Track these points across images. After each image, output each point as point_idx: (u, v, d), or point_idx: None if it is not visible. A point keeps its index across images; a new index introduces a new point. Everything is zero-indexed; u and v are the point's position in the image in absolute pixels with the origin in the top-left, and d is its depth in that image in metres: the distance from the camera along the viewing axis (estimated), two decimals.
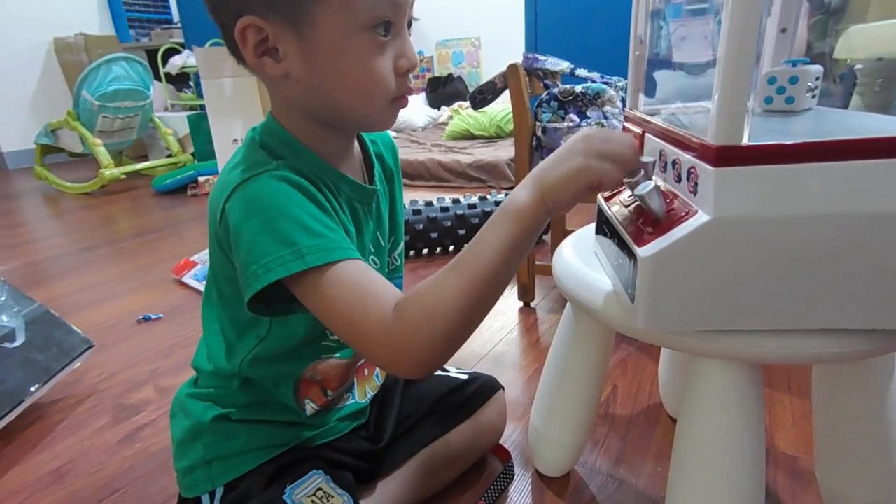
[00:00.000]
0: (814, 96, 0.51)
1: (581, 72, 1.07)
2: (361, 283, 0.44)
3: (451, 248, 1.63)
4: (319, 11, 0.43)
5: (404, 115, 3.53)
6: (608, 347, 0.64)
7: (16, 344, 0.92)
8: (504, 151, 2.56)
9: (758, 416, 0.47)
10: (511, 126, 2.98)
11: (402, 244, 0.67)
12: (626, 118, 0.56)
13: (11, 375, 0.88)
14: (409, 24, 0.49)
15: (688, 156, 0.41)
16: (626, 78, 1.09)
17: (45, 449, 0.88)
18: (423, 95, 4.00)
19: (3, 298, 0.97)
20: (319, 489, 0.58)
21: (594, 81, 1.05)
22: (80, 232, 2.30)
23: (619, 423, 0.85)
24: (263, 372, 0.59)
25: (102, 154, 2.82)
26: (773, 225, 0.38)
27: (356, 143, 0.58)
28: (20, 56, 3.72)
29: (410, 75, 0.49)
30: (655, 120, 0.49)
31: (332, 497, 0.58)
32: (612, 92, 1.02)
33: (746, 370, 0.46)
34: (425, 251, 1.61)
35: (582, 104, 1.02)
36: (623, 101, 1.03)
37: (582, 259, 0.58)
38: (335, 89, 0.46)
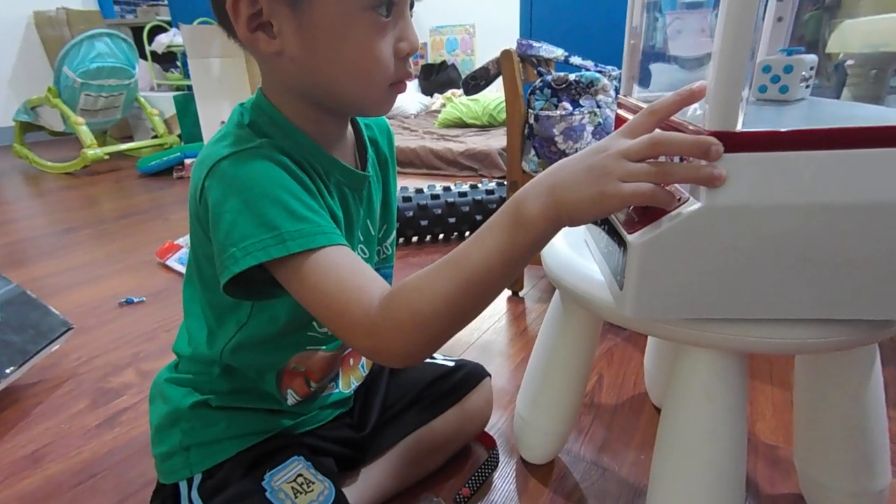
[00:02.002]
0: (808, 86, 0.51)
1: (575, 60, 1.06)
2: (346, 272, 0.42)
3: (441, 236, 1.63)
4: None
5: (397, 101, 3.48)
6: (595, 336, 0.64)
7: None
8: (496, 140, 2.54)
9: (741, 405, 0.47)
10: (503, 115, 2.96)
11: (393, 233, 0.65)
12: (620, 105, 0.55)
13: None
14: (412, 6, 0.47)
15: None
16: (620, 67, 1.08)
17: (21, 432, 0.86)
18: (415, 82, 3.96)
19: None
20: (300, 475, 0.57)
21: (588, 70, 1.04)
22: (61, 213, 2.25)
23: (603, 412, 0.85)
24: (245, 360, 0.57)
25: (85, 133, 2.75)
26: (765, 213, 0.38)
27: (349, 127, 0.56)
28: None
29: (409, 59, 0.47)
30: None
31: (313, 483, 0.57)
32: (605, 81, 1.01)
33: (732, 359, 0.46)
34: (415, 239, 1.60)
35: (575, 92, 1.01)
36: (616, 90, 1.02)
37: (572, 247, 0.58)
38: (332, 70, 0.44)
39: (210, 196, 0.44)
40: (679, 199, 0.39)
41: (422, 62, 4.12)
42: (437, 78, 3.91)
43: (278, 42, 0.43)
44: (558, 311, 0.64)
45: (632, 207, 0.43)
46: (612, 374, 0.94)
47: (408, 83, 0.50)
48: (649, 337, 0.85)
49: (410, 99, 3.66)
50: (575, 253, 0.56)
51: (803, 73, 0.49)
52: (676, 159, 0.41)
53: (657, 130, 0.40)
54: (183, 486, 0.59)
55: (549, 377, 0.66)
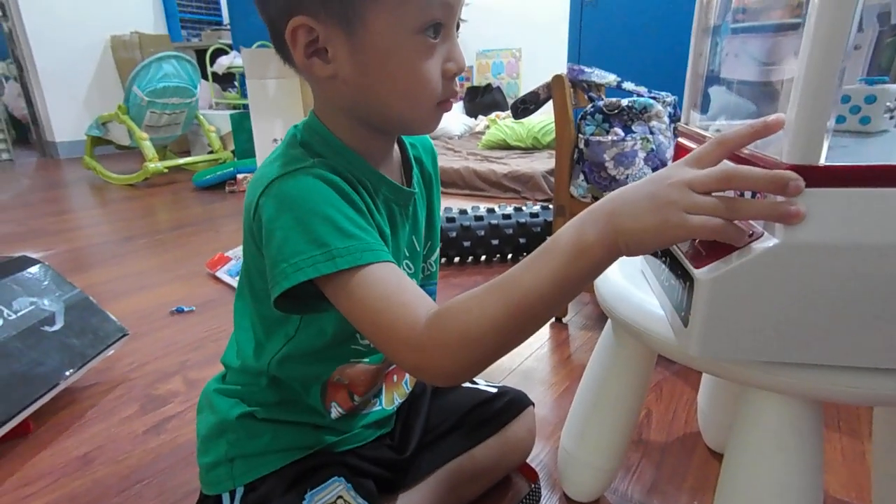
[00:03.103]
0: (892, 118, 0.47)
1: (628, 85, 1.04)
2: (393, 289, 0.42)
3: (483, 257, 1.62)
4: (372, 12, 0.43)
5: (441, 122, 3.53)
6: (649, 370, 0.61)
7: (55, 328, 0.94)
8: (540, 163, 2.53)
9: (817, 456, 0.43)
10: (548, 138, 2.96)
11: (437, 250, 0.66)
12: (680, 133, 0.53)
13: (49, 358, 0.90)
14: (458, 27, 0.48)
15: None
16: (673, 93, 1.06)
17: (74, 434, 0.89)
18: (460, 104, 4.00)
19: (45, 283, 1.00)
20: (340, 497, 0.57)
21: (641, 95, 1.02)
22: (121, 222, 2.37)
23: (652, 450, 0.81)
24: (292, 372, 0.58)
25: (148, 147, 2.91)
26: (848, 253, 0.35)
27: (396, 146, 0.57)
28: (79, 52, 3.89)
29: (456, 80, 0.48)
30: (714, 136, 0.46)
31: None
32: (659, 107, 0.99)
33: (806, 407, 0.43)
34: (457, 259, 1.60)
35: (627, 118, 0.99)
36: (670, 116, 1.00)
37: (627, 277, 0.56)
38: (383, 91, 0.46)
39: (264, 213, 0.45)
40: (751, 234, 0.37)
41: (467, 84, 4.17)
42: (481, 100, 3.93)
43: (332, 66, 0.45)
44: (610, 341, 0.61)
45: (696, 240, 0.41)
46: (661, 410, 0.90)
47: (453, 104, 0.51)
48: (705, 376, 0.80)
49: (455, 120, 3.70)
50: (630, 283, 0.54)
51: (888, 103, 0.46)
52: (747, 191, 0.39)
53: (726, 162, 0.38)
54: (226, 498, 0.59)
55: (599, 410, 0.63)
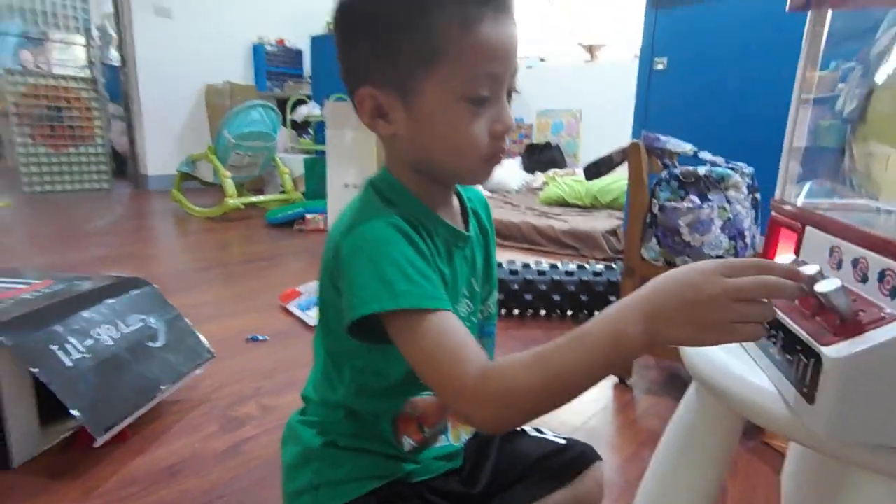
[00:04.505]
0: None
1: (705, 155, 1.08)
2: (449, 339, 0.47)
3: (543, 312, 1.63)
4: (425, 85, 0.50)
5: (499, 176, 3.65)
6: (734, 441, 0.61)
7: (157, 344, 1.03)
8: (601, 222, 2.55)
9: None
10: (608, 198, 2.99)
11: (495, 294, 0.70)
12: (776, 208, 0.56)
13: (150, 371, 0.98)
14: (510, 94, 0.54)
15: (880, 257, 0.40)
16: (750, 164, 1.08)
17: (163, 445, 0.96)
18: (518, 160, 4.12)
19: (152, 302, 1.10)
20: None
21: (718, 165, 1.05)
22: (200, 252, 2.56)
23: None
24: (364, 405, 0.62)
25: (229, 185, 3.16)
26: None
27: (454, 197, 0.64)
28: (177, 97, 4.34)
29: (507, 138, 0.54)
30: (825, 212, 0.48)
31: None
32: (737, 177, 1.01)
33: None
34: (517, 312, 1.62)
35: (704, 186, 1.01)
36: (748, 187, 1.02)
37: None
38: (434, 148, 0.53)
39: (343, 253, 0.52)
40: (883, 317, 0.38)
41: (527, 141, 4.30)
42: (540, 157, 4.05)
43: (393, 126, 0.53)
44: (694, 408, 0.62)
45: (816, 316, 0.42)
46: (737, 488, 0.87)
47: (511, 160, 0.57)
48: (791, 455, 0.78)
49: (513, 175, 3.80)
50: (725, 351, 0.55)
51: None
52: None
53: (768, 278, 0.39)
54: None
55: (679, 476, 0.63)
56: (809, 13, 0.54)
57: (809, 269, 0.40)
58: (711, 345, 0.41)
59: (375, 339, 0.52)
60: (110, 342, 0.95)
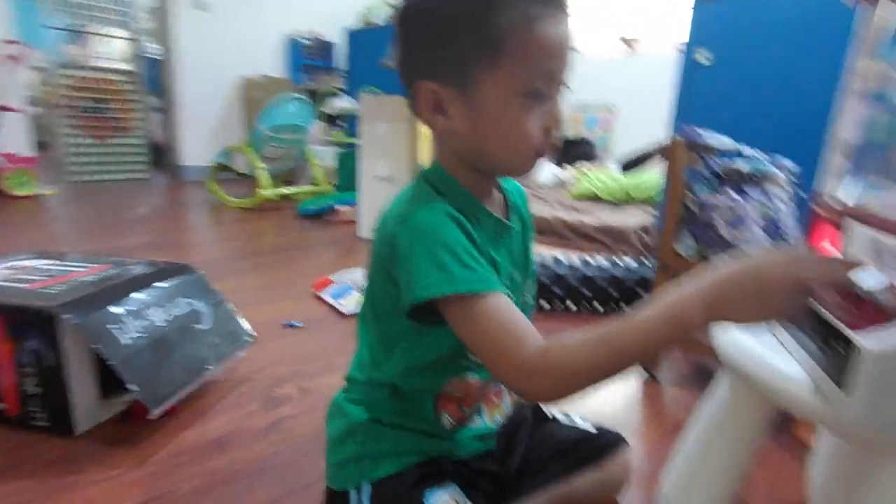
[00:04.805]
0: None
1: (746, 150, 1.07)
2: (507, 318, 0.50)
3: (574, 307, 1.64)
4: (485, 81, 0.52)
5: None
6: (763, 429, 0.62)
7: (204, 327, 1.09)
8: (632, 218, 2.53)
9: None
10: (641, 194, 2.95)
11: (533, 284, 0.72)
12: (818, 202, 0.56)
13: (198, 352, 1.04)
14: (562, 89, 0.56)
15: None
16: (792, 160, 1.07)
17: (210, 420, 1.02)
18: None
19: (199, 287, 1.16)
20: (456, 501, 0.62)
21: (759, 161, 1.04)
22: (236, 241, 2.64)
23: None
24: (410, 384, 0.65)
25: (264, 176, 3.24)
26: None
27: (497, 190, 0.66)
28: (215, 89, 4.45)
29: (554, 133, 0.56)
30: (869, 208, 0.48)
31: None
32: (777, 173, 1.00)
33: None
34: (547, 306, 1.63)
35: (743, 182, 1.01)
36: (791, 184, 1.01)
37: (749, 330, 0.58)
38: (491, 142, 0.55)
39: (399, 242, 0.55)
40: None
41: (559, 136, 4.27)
42: (572, 152, 4.02)
43: (450, 121, 0.55)
44: (725, 395, 0.63)
45: (853, 306, 0.43)
46: (764, 479, 0.88)
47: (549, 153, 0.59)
48: (821, 447, 0.78)
49: (544, 169, 3.79)
50: (755, 338, 0.56)
51: None
52: None
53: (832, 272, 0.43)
54: (353, 493, 0.66)
55: (706, 463, 0.64)
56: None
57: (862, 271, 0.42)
58: (762, 322, 0.43)
59: (430, 321, 0.55)
60: (161, 323, 1.01)
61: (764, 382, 0.51)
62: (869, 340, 0.39)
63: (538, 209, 2.76)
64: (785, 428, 1.00)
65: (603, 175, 3.19)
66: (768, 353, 0.53)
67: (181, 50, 4.22)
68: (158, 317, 1.00)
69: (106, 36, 4.20)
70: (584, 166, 3.62)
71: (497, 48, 0.51)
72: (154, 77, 4.54)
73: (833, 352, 0.43)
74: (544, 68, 0.52)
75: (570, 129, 4.31)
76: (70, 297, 0.92)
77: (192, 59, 4.26)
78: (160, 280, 1.08)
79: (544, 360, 0.47)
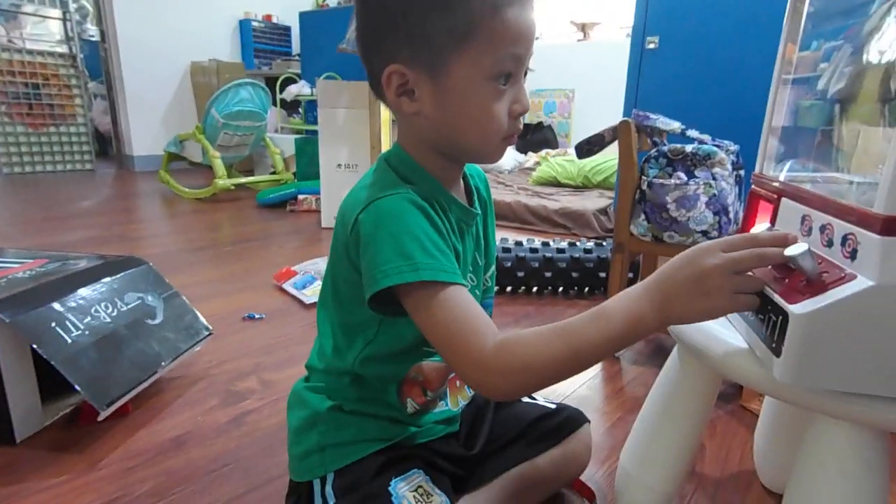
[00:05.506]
0: None
1: (692, 133, 1.10)
2: (466, 313, 0.50)
3: (535, 288, 1.67)
4: (454, 63, 0.52)
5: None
6: (713, 397, 0.65)
7: (156, 321, 1.05)
8: (591, 202, 2.58)
9: (882, 488, 0.46)
10: (598, 178, 3.01)
11: (493, 267, 0.73)
12: (755, 182, 0.59)
13: (150, 348, 1.00)
14: (525, 74, 0.57)
15: (844, 223, 0.43)
16: (735, 142, 1.11)
17: (166, 418, 0.98)
18: None
19: (149, 281, 1.11)
20: (420, 486, 0.62)
21: (704, 143, 1.08)
22: (191, 233, 2.55)
23: (707, 483, 0.83)
24: (372, 371, 0.65)
25: (219, 165, 3.13)
26: None
27: (462, 176, 0.66)
28: (161, 76, 4.25)
29: (521, 118, 0.57)
30: (797, 184, 0.51)
31: (432, 496, 0.62)
32: (722, 154, 1.04)
33: (874, 436, 0.46)
34: (510, 289, 1.65)
35: (691, 163, 1.04)
36: (733, 164, 1.05)
37: None
38: (459, 126, 0.55)
39: (362, 228, 0.54)
40: (843, 276, 0.42)
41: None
42: (532, 137, 4.05)
43: (417, 104, 0.55)
44: (676, 367, 0.65)
45: (786, 279, 0.46)
46: (715, 446, 0.92)
47: (516, 138, 0.60)
48: (763, 413, 0.83)
49: (506, 155, 3.79)
50: None
51: None
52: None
53: (762, 248, 0.45)
54: (317, 483, 0.65)
55: (662, 432, 0.67)
56: None
57: (796, 251, 0.43)
58: (717, 316, 0.46)
59: (392, 310, 0.55)
60: (108, 320, 0.96)
61: (708, 351, 0.53)
62: (797, 307, 0.42)
63: (501, 195, 2.78)
64: (734, 397, 1.05)
65: (563, 160, 3.23)
66: (712, 325, 0.56)
67: (123, 32, 4.00)
68: (106, 313, 0.95)
69: (39, 16, 3.93)
70: (545, 152, 3.67)
71: (467, 30, 0.51)
72: (94, 61, 4.29)
73: (768, 320, 0.46)
74: (512, 52, 0.52)
75: (530, 115, 4.35)
76: (3, 294, 0.87)
77: (136, 41, 4.05)
78: (107, 274, 1.03)
79: (501, 355, 0.48)
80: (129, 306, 1.02)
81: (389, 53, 0.54)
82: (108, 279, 1.02)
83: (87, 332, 0.91)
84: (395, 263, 0.50)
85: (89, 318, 0.92)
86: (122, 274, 1.06)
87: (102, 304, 0.96)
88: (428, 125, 0.56)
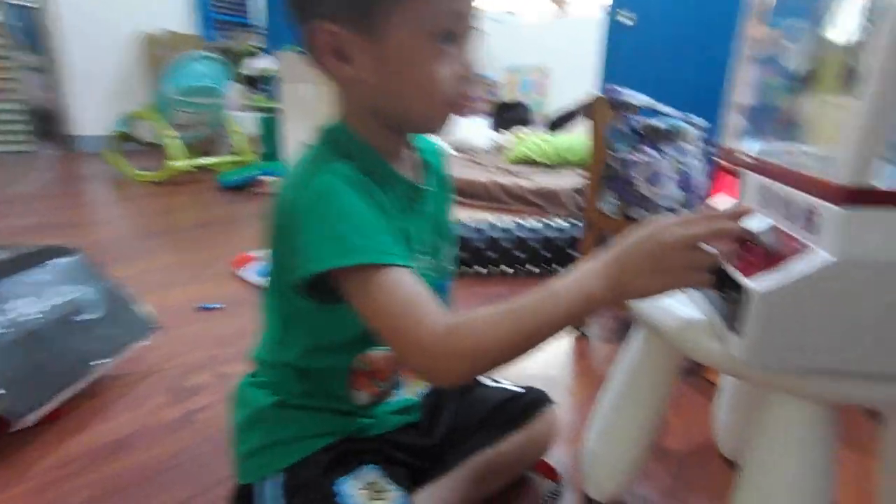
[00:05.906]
0: None
1: (662, 108, 1.06)
2: (410, 295, 0.46)
3: (510, 269, 1.63)
4: (390, 21, 0.47)
5: (467, 135, 3.57)
6: (673, 374, 0.64)
7: (91, 317, 0.96)
8: (565, 180, 2.55)
9: (829, 459, 0.46)
10: (573, 156, 2.97)
11: (451, 247, 0.69)
12: (720, 155, 0.56)
13: (85, 346, 0.92)
14: (472, 36, 0.51)
15: (804, 195, 0.41)
16: (702, 116, 1.08)
17: (106, 420, 0.91)
18: (487, 119, 4.04)
19: (81, 272, 1.02)
20: (372, 482, 0.59)
21: (674, 119, 1.04)
22: (144, 218, 2.42)
23: (670, 457, 0.83)
24: (316, 363, 0.61)
25: (174, 146, 2.96)
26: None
27: (409, 149, 0.61)
28: (107, 48, 3.89)
29: (475, 89, 0.51)
30: (760, 157, 0.49)
31: (386, 491, 0.58)
32: (691, 130, 1.00)
33: (824, 410, 0.45)
34: (483, 270, 1.61)
35: (660, 140, 1.00)
36: (705, 140, 1.02)
37: None
38: (400, 90, 0.50)
39: (293, 208, 0.50)
40: (803, 249, 0.40)
41: (495, 100, 4.21)
42: (508, 116, 3.99)
43: (353, 68, 0.50)
44: (639, 345, 0.64)
45: (747, 254, 0.44)
46: (678, 421, 0.91)
47: (479, 119, 0.55)
48: (723, 387, 0.83)
49: (481, 135, 3.73)
50: None
51: None
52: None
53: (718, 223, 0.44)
54: (263, 485, 0.61)
55: (625, 410, 0.66)
56: None
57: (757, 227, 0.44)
58: (668, 291, 0.44)
59: (328, 297, 0.50)
60: (34, 316, 0.87)
61: (667, 328, 0.52)
62: (756, 283, 0.40)
63: (475, 174, 2.72)
64: (698, 370, 1.04)
65: (538, 138, 3.19)
66: (672, 301, 0.54)
67: (66, 4, 3.69)
68: (30, 309, 0.86)
69: None
70: (521, 131, 3.61)
71: None
72: (29, 30, 3.92)
73: (728, 297, 0.44)
74: (452, 8, 0.48)
75: (506, 94, 4.28)
76: None
77: (76, 9, 3.69)
78: (32, 265, 0.93)
79: (450, 339, 0.45)
80: (60, 301, 0.93)
81: (320, 11, 0.48)
82: (32, 271, 0.93)
83: (7, 331, 0.82)
84: (326, 248, 0.46)
85: (10, 316, 0.83)
86: (49, 264, 0.96)
87: (27, 300, 0.87)
88: (367, 92, 0.51)
